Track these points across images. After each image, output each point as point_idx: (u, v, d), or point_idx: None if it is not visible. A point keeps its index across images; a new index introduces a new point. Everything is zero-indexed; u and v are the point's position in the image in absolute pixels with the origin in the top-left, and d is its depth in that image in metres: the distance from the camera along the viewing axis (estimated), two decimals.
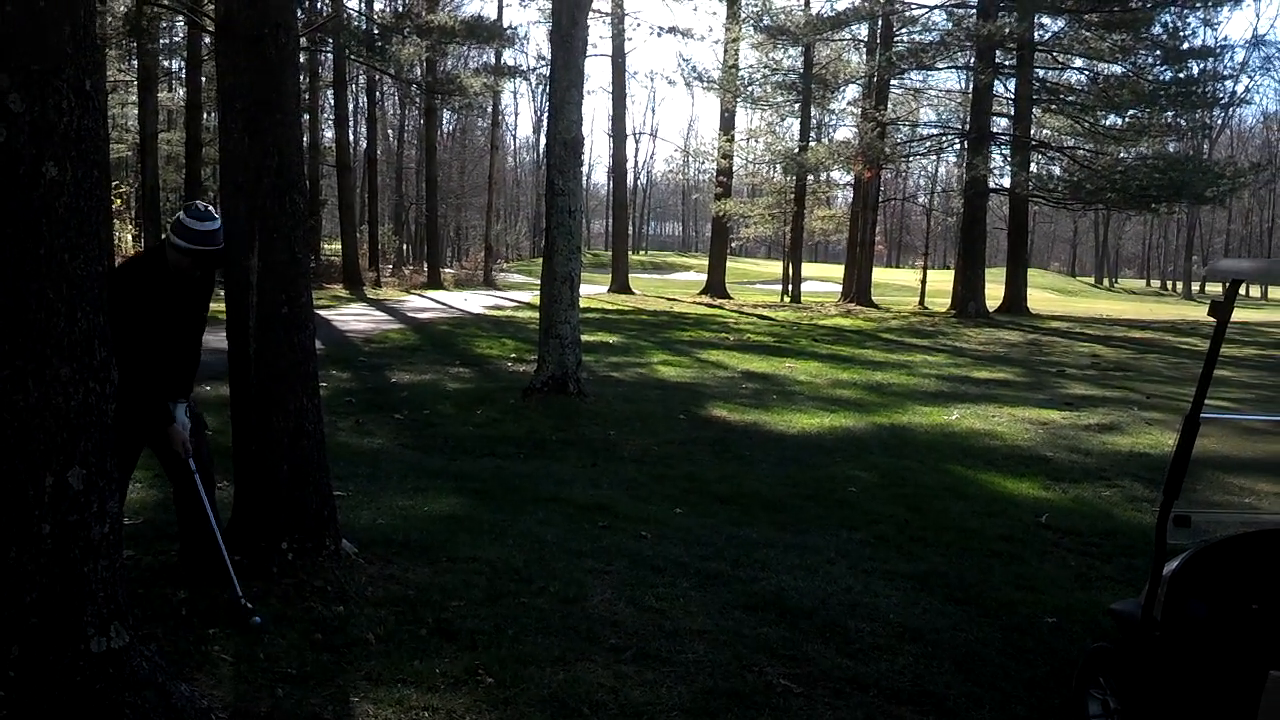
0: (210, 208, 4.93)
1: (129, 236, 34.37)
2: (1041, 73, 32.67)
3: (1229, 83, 41.43)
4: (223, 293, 5.32)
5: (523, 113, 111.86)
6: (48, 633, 3.34)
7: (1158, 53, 30.55)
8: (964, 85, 39.10)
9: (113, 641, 3.49)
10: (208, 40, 27.07)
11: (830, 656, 4.80)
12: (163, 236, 4.94)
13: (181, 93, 36.64)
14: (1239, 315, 14.58)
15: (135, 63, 32.74)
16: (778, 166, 40.18)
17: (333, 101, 39.50)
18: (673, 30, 44.58)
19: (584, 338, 13.61)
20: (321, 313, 21.40)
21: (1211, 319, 3.64)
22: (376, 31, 31.96)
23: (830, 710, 4.26)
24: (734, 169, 42.59)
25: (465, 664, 4.36)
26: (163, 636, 4.32)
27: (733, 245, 52.01)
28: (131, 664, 3.55)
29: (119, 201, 33.39)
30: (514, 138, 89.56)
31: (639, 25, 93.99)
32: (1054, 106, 33.04)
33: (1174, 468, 3.68)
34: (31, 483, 3.28)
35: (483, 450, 9.68)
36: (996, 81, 31.99)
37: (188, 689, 3.82)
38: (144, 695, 3.53)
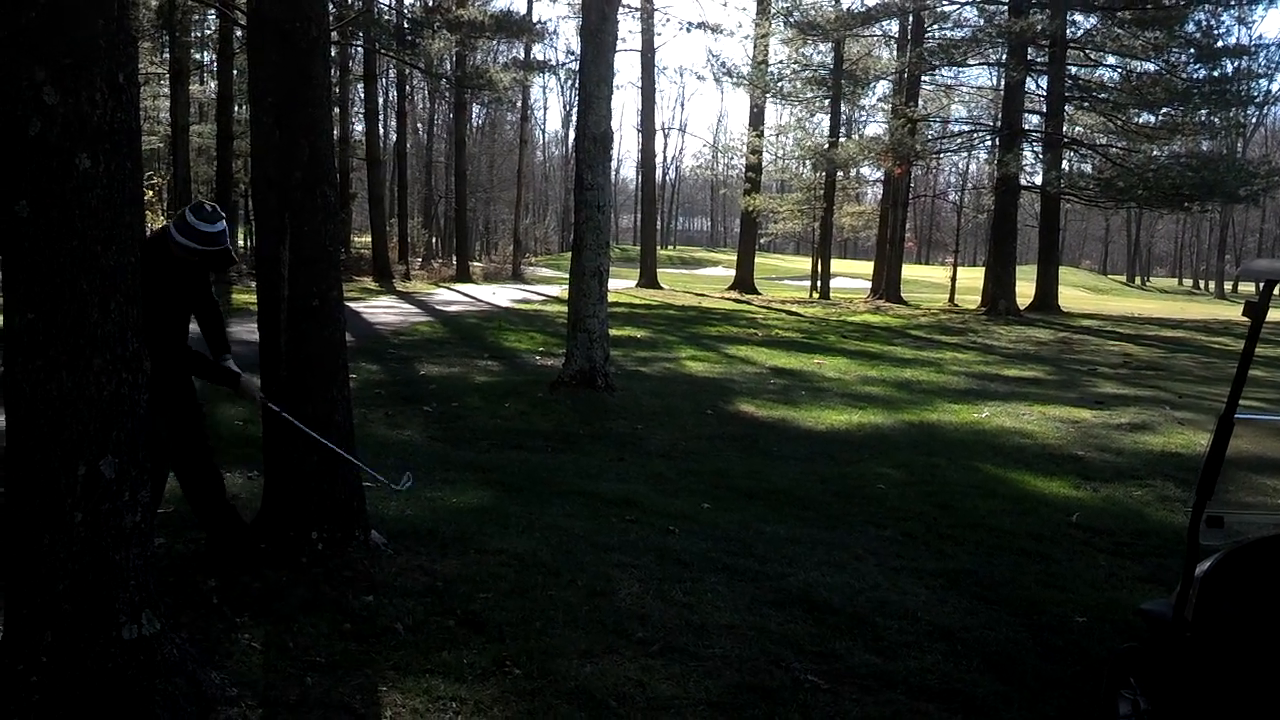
0: (217, 208, 4.96)
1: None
2: (1074, 70, 32.43)
3: (1263, 81, 40.96)
4: (254, 284, 5.35)
5: (552, 107, 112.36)
6: (80, 619, 3.37)
7: (1191, 50, 30.29)
8: (995, 82, 38.98)
9: (144, 629, 3.53)
10: (239, 33, 27.26)
11: (858, 653, 4.78)
12: (168, 226, 4.98)
13: (213, 85, 36.88)
14: (1274, 316, 14.38)
15: (167, 55, 33.00)
16: (807, 162, 40.06)
17: (363, 95, 39.71)
18: (702, 25, 44.81)
19: (612, 332, 13.60)
20: (351, 305, 21.50)
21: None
22: (406, 26, 32.14)
23: (857, 706, 4.23)
24: (763, 164, 42.56)
25: (493, 655, 4.37)
26: (193, 624, 4.36)
27: (761, 241, 51.90)
28: (162, 651, 3.58)
29: (151, 193, 33.57)
30: (543, 132, 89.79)
31: (669, 20, 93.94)
32: (1086, 104, 32.82)
33: (1207, 468, 3.64)
34: (64, 471, 3.31)
35: (510, 443, 9.69)
36: (1028, 78, 31.74)
37: (218, 676, 3.86)
38: (174, 682, 3.57)
